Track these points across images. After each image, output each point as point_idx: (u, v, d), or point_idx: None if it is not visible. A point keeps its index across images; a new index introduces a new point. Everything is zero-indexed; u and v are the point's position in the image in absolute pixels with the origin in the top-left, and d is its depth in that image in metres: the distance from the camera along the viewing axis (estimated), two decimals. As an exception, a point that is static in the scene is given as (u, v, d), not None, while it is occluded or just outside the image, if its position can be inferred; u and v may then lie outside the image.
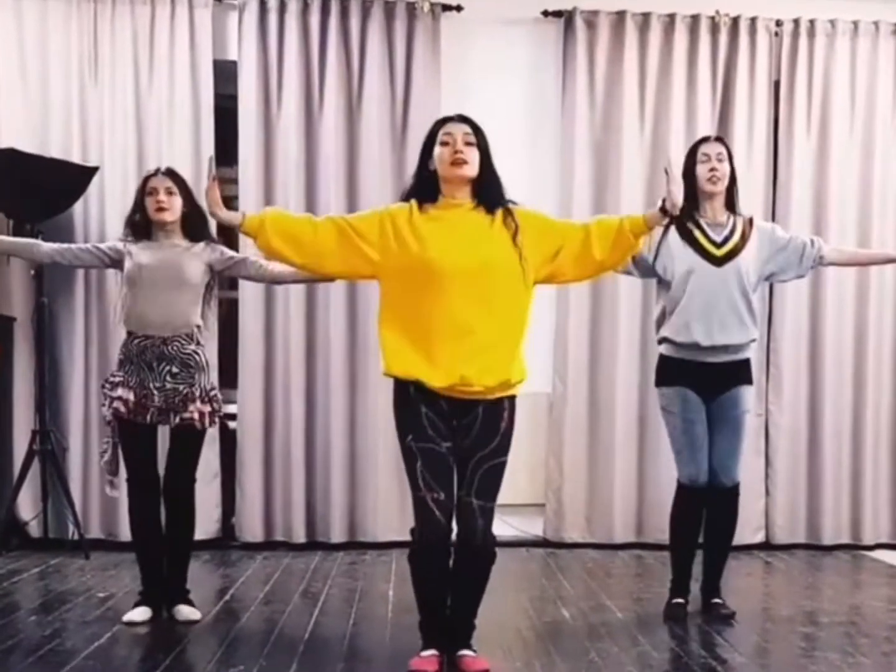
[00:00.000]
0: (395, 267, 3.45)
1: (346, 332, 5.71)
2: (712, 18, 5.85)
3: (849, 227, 5.93)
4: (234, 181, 5.76)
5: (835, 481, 5.96)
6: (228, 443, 5.64)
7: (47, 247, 4.22)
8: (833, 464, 5.95)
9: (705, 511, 4.32)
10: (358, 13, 5.69)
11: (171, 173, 4.18)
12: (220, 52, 5.73)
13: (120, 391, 4.08)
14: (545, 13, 5.84)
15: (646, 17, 5.82)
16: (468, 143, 3.45)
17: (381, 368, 3.55)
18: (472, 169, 3.45)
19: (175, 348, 4.10)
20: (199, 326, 4.17)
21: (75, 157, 5.56)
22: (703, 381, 4.21)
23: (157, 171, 4.20)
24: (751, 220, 4.31)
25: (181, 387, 4.10)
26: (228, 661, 3.67)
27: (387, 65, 5.71)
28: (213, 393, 4.21)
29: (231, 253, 4.26)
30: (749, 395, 4.33)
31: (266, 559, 5.47)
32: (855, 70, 5.93)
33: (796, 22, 5.89)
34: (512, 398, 3.52)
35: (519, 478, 5.25)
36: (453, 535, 3.45)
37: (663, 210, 3.49)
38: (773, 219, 5.85)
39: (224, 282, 4.98)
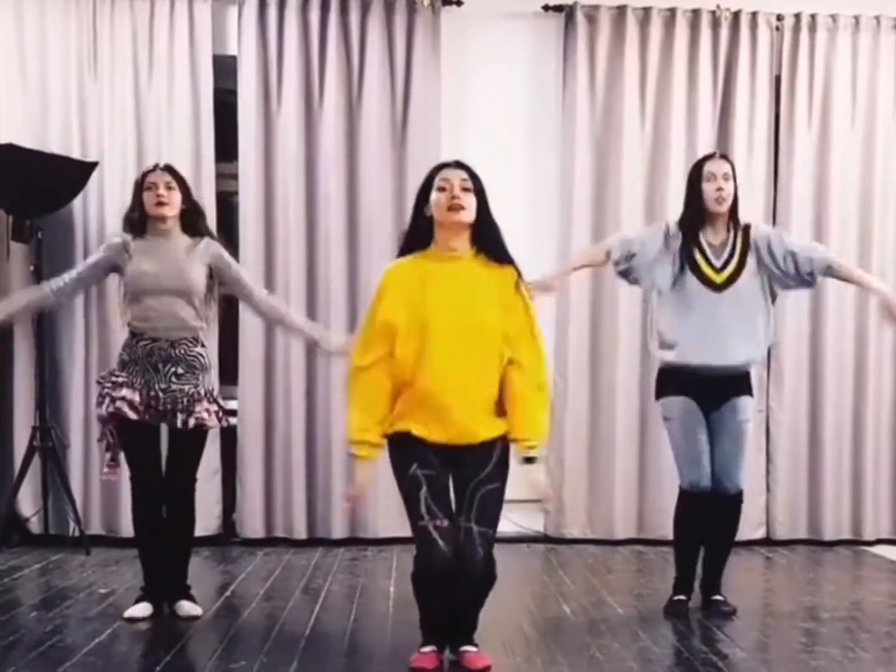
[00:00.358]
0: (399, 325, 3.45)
1: (347, 328, 5.69)
2: (713, 13, 5.83)
3: (850, 222, 5.91)
4: (234, 177, 5.74)
5: (835, 477, 5.95)
6: (229, 439, 5.63)
7: (48, 289, 4.19)
8: (834, 460, 5.94)
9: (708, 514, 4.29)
10: (358, 8, 5.68)
11: (169, 169, 4.17)
12: (219, 47, 5.71)
13: (125, 392, 4.06)
14: (545, 7, 5.83)
15: (646, 11, 5.81)
16: (465, 189, 3.40)
17: None
18: (468, 214, 3.41)
19: (182, 350, 4.10)
20: (203, 328, 4.18)
21: (75, 153, 5.55)
22: (702, 393, 4.20)
23: (155, 167, 4.19)
24: (747, 230, 4.23)
25: (186, 387, 4.10)
26: (229, 657, 3.66)
27: (387, 60, 5.70)
28: (215, 393, 4.25)
29: (229, 260, 4.23)
30: (749, 406, 4.31)
31: (267, 555, 5.46)
32: (856, 65, 5.91)
33: (797, 16, 5.88)
34: (503, 436, 3.48)
35: (520, 474, 5.23)
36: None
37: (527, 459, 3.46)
38: (774, 215, 5.86)
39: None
